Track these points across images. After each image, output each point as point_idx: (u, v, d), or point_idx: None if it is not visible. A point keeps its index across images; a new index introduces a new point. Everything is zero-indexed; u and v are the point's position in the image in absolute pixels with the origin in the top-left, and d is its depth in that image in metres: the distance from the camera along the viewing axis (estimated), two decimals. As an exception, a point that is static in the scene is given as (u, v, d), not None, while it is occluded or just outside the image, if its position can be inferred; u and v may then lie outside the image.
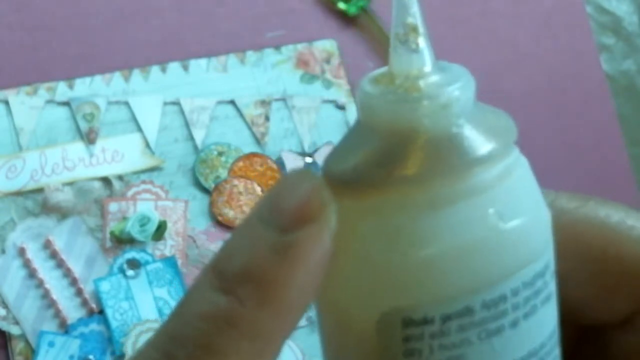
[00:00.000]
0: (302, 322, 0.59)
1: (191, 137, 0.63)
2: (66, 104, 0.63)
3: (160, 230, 0.59)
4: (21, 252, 0.58)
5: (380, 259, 0.23)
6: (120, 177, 0.61)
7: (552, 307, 0.24)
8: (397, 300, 0.23)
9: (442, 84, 0.23)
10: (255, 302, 0.22)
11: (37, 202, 0.60)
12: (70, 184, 0.60)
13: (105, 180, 0.61)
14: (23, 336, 0.57)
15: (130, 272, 0.58)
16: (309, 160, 0.63)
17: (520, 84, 0.70)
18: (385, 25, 0.68)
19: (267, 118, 0.64)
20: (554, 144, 0.69)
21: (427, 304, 0.23)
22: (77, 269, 0.58)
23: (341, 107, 0.66)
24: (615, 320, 0.26)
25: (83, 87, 0.63)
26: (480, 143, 0.23)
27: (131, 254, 0.59)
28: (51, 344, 0.57)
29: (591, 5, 0.73)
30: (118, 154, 0.62)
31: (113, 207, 0.60)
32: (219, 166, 0.62)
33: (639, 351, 0.26)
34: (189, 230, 0.60)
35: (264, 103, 0.65)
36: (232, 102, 0.65)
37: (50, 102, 0.63)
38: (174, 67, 0.65)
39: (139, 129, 0.63)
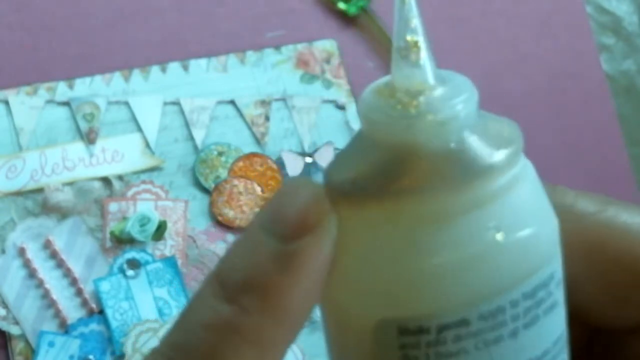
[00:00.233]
0: (302, 322, 0.59)
1: (191, 137, 0.63)
2: (66, 104, 0.63)
3: (160, 230, 0.59)
4: (21, 252, 0.58)
5: (377, 268, 0.23)
6: (120, 177, 0.61)
7: (557, 315, 0.24)
8: (392, 310, 0.23)
9: (443, 99, 0.23)
10: (258, 310, 0.22)
11: (37, 202, 0.60)
12: (70, 184, 0.60)
13: (105, 180, 0.61)
14: (23, 336, 0.57)
15: (130, 272, 0.58)
16: (309, 160, 0.63)
17: (520, 84, 0.70)
18: (385, 25, 0.68)
19: (267, 118, 0.64)
20: (554, 144, 0.69)
21: (423, 314, 0.23)
22: (77, 269, 0.58)
23: (341, 107, 0.66)
24: (628, 327, 0.26)
25: (83, 87, 0.63)
26: (480, 157, 0.23)
27: (131, 254, 0.59)
28: (51, 344, 0.57)
29: (591, 5, 0.73)
30: (118, 154, 0.62)
31: (113, 207, 0.60)
32: (219, 166, 0.62)
33: None
34: (189, 230, 0.60)
35: (264, 103, 0.65)
36: (232, 102, 0.65)
37: (50, 102, 0.63)
38: (174, 67, 0.65)
39: (139, 129, 0.63)
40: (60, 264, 0.58)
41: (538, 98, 0.70)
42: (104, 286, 0.58)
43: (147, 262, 0.59)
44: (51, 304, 0.57)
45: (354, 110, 0.66)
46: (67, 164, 0.61)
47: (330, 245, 0.23)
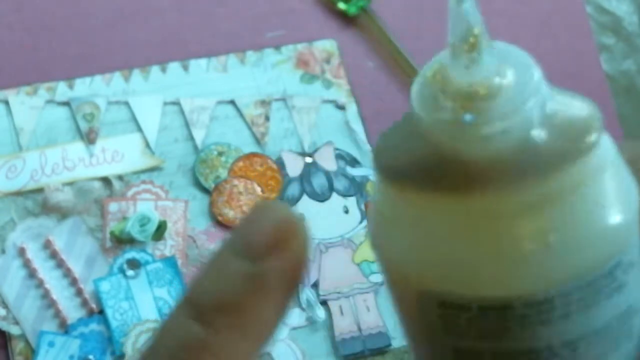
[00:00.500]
0: (303, 322, 0.59)
1: (191, 137, 0.63)
2: (66, 104, 0.63)
3: (160, 230, 0.59)
4: (21, 252, 0.58)
5: (425, 246, 0.24)
6: (120, 177, 0.61)
7: (621, 296, 0.24)
8: (435, 285, 0.24)
9: (509, 102, 0.23)
10: (229, 329, 0.24)
11: (37, 202, 0.60)
12: (70, 184, 0.60)
13: (105, 180, 0.61)
14: (23, 336, 0.57)
15: (130, 272, 0.58)
16: (308, 160, 0.63)
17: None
18: (385, 25, 0.68)
19: (267, 118, 0.64)
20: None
21: (464, 295, 0.23)
22: (77, 269, 0.58)
23: (341, 107, 0.66)
24: None
25: (83, 87, 0.63)
26: (552, 151, 0.23)
27: (131, 254, 0.59)
28: (51, 344, 0.57)
29: (591, 5, 0.73)
30: (118, 154, 0.62)
31: (113, 207, 0.60)
32: (219, 166, 0.62)
33: None
34: (189, 230, 0.60)
35: (264, 103, 0.65)
36: (232, 102, 0.65)
37: (50, 102, 0.63)
38: (174, 67, 0.65)
39: (139, 129, 0.63)
40: (60, 264, 0.58)
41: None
42: (104, 286, 0.58)
43: (147, 262, 0.59)
44: (51, 304, 0.57)
45: (354, 110, 0.66)
46: (67, 164, 0.61)
47: (299, 263, 0.24)
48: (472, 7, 0.23)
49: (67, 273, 0.58)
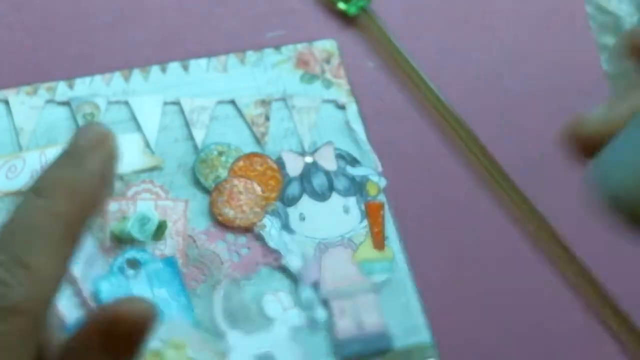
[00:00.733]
0: (303, 322, 0.59)
1: (191, 137, 0.63)
2: (66, 103, 0.63)
3: (160, 230, 0.59)
4: (21, 252, 0.58)
5: None
6: (120, 177, 0.61)
7: None
8: None
9: None
10: None
11: (37, 202, 0.60)
12: (70, 183, 0.60)
13: (105, 180, 0.61)
14: (23, 336, 0.57)
15: (130, 272, 0.58)
16: (309, 160, 0.63)
17: (520, 83, 0.70)
18: (386, 25, 0.68)
19: (267, 118, 0.64)
20: (554, 144, 0.69)
21: None
22: (76, 269, 0.58)
23: (341, 107, 0.66)
24: None
25: (83, 87, 0.63)
26: None
27: (131, 254, 0.59)
28: (51, 344, 0.56)
29: (591, 5, 0.73)
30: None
31: (113, 206, 0.60)
32: (219, 166, 0.62)
33: None
34: (189, 230, 0.60)
35: (264, 103, 0.65)
36: (232, 102, 0.65)
37: (50, 102, 0.63)
38: (174, 67, 0.65)
39: (139, 129, 0.63)
40: (60, 264, 0.58)
41: (538, 97, 0.70)
42: (104, 286, 0.58)
43: (147, 262, 0.59)
44: (51, 303, 0.57)
45: (354, 110, 0.66)
46: (67, 164, 0.61)
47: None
48: None
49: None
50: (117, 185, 0.61)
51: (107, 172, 0.32)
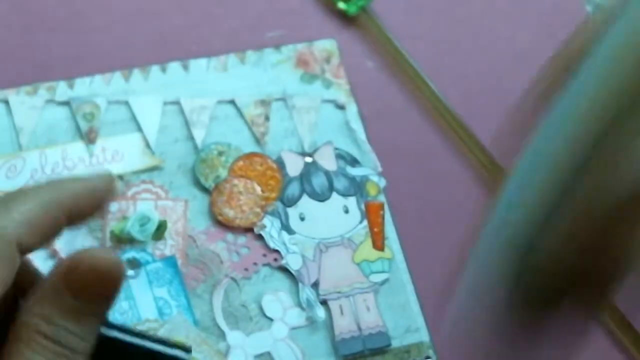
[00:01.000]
0: (302, 321, 0.59)
1: (191, 137, 0.63)
2: (66, 103, 0.63)
3: (160, 230, 0.59)
4: (21, 251, 0.58)
5: None
6: (120, 177, 0.61)
7: None
8: None
9: None
10: None
11: (37, 201, 0.60)
12: (70, 183, 0.60)
13: (105, 180, 0.61)
14: (23, 336, 0.57)
15: (130, 272, 0.58)
16: (308, 160, 0.63)
17: (520, 84, 0.70)
18: (385, 25, 0.68)
19: (267, 118, 0.64)
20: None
21: None
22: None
23: (341, 107, 0.66)
24: None
25: (83, 86, 0.63)
26: None
27: (131, 254, 0.59)
28: (51, 344, 0.56)
29: (591, 5, 0.73)
30: (118, 153, 0.62)
31: (113, 206, 0.60)
32: (219, 166, 0.62)
33: None
34: (189, 229, 0.60)
35: (264, 103, 0.65)
36: (232, 102, 0.65)
37: (50, 101, 0.63)
38: (174, 66, 0.65)
39: (139, 129, 0.63)
40: (60, 264, 0.58)
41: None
42: (104, 286, 0.58)
43: (147, 262, 0.59)
44: (51, 303, 0.57)
45: (354, 110, 0.66)
46: (67, 164, 0.61)
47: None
48: None
49: (67, 273, 0.58)
50: (117, 185, 0.61)
51: None
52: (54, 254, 0.58)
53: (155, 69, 0.65)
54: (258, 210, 0.61)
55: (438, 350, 0.59)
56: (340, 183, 0.63)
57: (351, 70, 0.67)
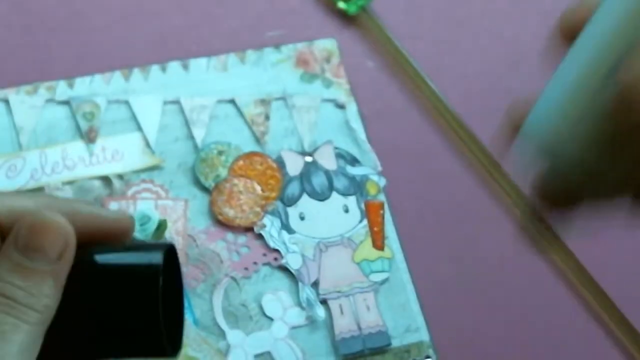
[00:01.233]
0: (302, 321, 0.59)
1: (191, 136, 0.63)
2: (66, 103, 0.63)
3: (160, 229, 0.59)
4: (21, 251, 0.58)
5: None
6: (120, 176, 0.61)
7: None
8: None
9: None
10: None
11: (37, 201, 0.60)
12: (70, 183, 0.60)
13: (106, 179, 0.61)
14: (23, 335, 0.57)
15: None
16: (308, 159, 0.63)
17: (520, 83, 0.70)
18: (385, 25, 0.68)
19: (267, 117, 0.64)
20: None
21: None
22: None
23: (341, 106, 0.66)
24: None
25: (83, 86, 0.64)
26: None
27: (131, 253, 0.59)
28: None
29: (591, 5, 0.73)
30: (118, 153, 0.62)
31: (113, 206, 0.60)
32: (219, 165, 0.62)
33: None
34: (189, 229, 0.60)
35: (264, 102, 0.65)
36: (232, 101, 0.65)
37: (50, 101, 0.63)
38: (174, 66, 0.65)
39: (139, 128, 0.63)
40: (60, 263, 0.58)
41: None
42: (104, 285, 0.58)
43: (147, 261, 0.59)
44: (51, 302, 0.57)
45: (353, 109, 0.66)
46: (67, 163, 0.61)
47: None
48: None
49: (67, 272, 0.58)
50: (117, 184, 0.61)
51: None
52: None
53: (155, 69, 0.65)
54: (258, 209, 0.61)
55: (438, 350, 0.59)
56: (340, 182, 0.63)
57: (351, 69, 0.67)
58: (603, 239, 0.59)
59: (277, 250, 0.60)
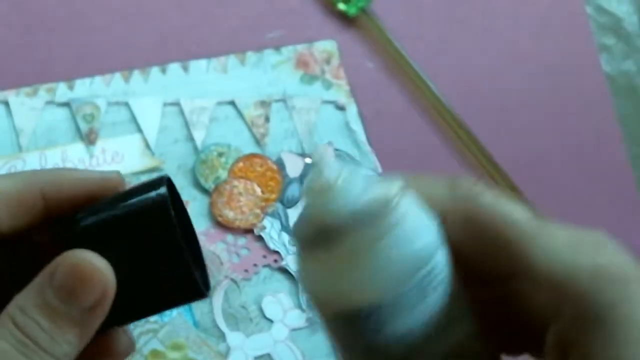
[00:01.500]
0: (302, 323, 0.59)
1: (191, 138, 0.63)
2: (66, 104, 0.63)
3: (160, 231, 0.59)
4: (21, 253, 0.58)
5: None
6: (120, 178, 0.61)
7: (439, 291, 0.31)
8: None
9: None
10: None
11: (37, 203, 0.60)
12: (70, 184, 0.60)
13: (106, 181, 0.61)
14: (23, 337, 0.57)
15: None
16: (308, 160, 0.63)
17: (520, 83, 0.70)
18: (385, 26, 0.68)
19: (267, 119, 0.64)
20: (553, 143, 0.69)
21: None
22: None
23: (341, 108, 0.66)
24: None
25: (83, 88, 0.64)
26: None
27: (131, 255, 0.59)
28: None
29: (591, 5, 0.73)
30: (118, 154, 0.62)
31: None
32: (219, 167, 0.62)
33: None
34: (189, 231, 0.60)
35: (264, 104, 0.65)
36: (232, 103, 0.65)
37: (50, 103, 0.63)
38: (174, 67, 0.65)
39: (139, 130, 0.63)
40: (61, 265, 0.58)
41: (538, 98, 0.70)
42: (104, 287, 0.58)
43: (147, 263, 0.59)
44: (51, 305, 0.57)
45: (353, 111, 0.66)
46: (67, 165, 0.61)
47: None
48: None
49: (68, 274, 0.58)
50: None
51: None
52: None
53: (155, 70, 0.65)
54: (258, 211, 0.61)
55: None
56: (340, 184, 0.63)
57: (351, 71, 0.67)
58: None
59: (277, 252, 0.60)
